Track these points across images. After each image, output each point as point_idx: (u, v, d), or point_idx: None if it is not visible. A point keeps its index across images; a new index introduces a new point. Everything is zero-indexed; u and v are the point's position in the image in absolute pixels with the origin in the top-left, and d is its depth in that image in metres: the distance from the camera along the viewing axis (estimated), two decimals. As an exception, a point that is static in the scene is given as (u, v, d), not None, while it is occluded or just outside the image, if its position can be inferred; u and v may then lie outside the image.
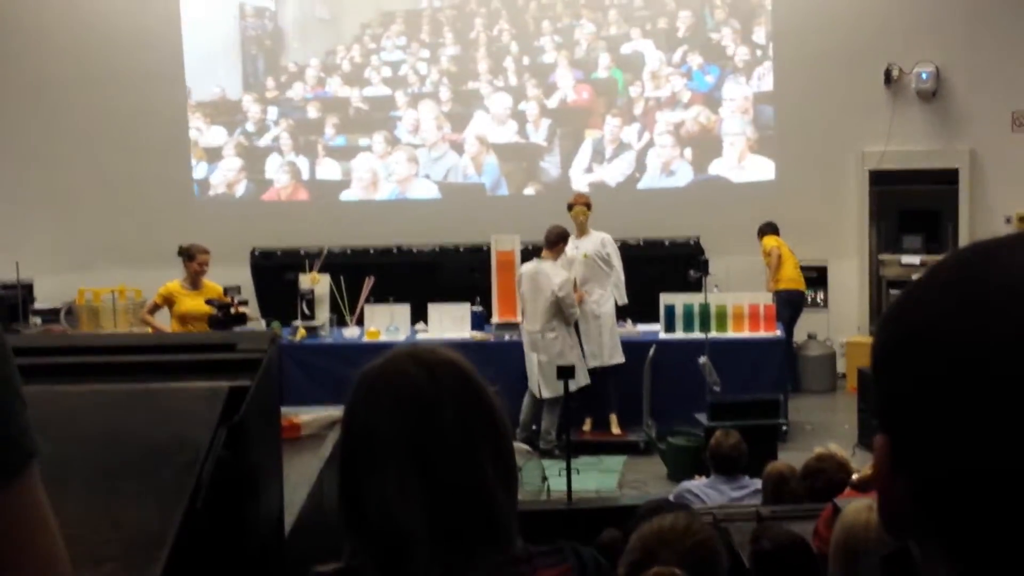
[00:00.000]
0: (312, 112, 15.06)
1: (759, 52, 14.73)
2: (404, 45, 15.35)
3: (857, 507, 3.57)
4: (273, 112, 15.06)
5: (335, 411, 3.85)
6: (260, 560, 1.99)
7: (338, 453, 1.83)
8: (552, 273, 10.24)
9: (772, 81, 14.17)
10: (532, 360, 10.33)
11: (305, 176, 15.04)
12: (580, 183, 14.13)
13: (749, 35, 14.82)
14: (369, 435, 1.76)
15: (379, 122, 15.00)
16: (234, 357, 2.15)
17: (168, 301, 9.61)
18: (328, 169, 14.98)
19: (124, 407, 1.96)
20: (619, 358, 10.63)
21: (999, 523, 0.77)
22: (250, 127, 15.08)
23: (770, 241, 12.44)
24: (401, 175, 14.98)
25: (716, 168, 14.33)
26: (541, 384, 10.21)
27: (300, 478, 3.05)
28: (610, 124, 14.87)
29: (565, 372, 9.10)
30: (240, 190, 15.05)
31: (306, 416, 3.85)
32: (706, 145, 14.46)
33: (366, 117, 15.07)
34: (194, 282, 9.64)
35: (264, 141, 15.07)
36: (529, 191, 14.74)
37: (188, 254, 9.67)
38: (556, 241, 10.41)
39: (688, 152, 14.54)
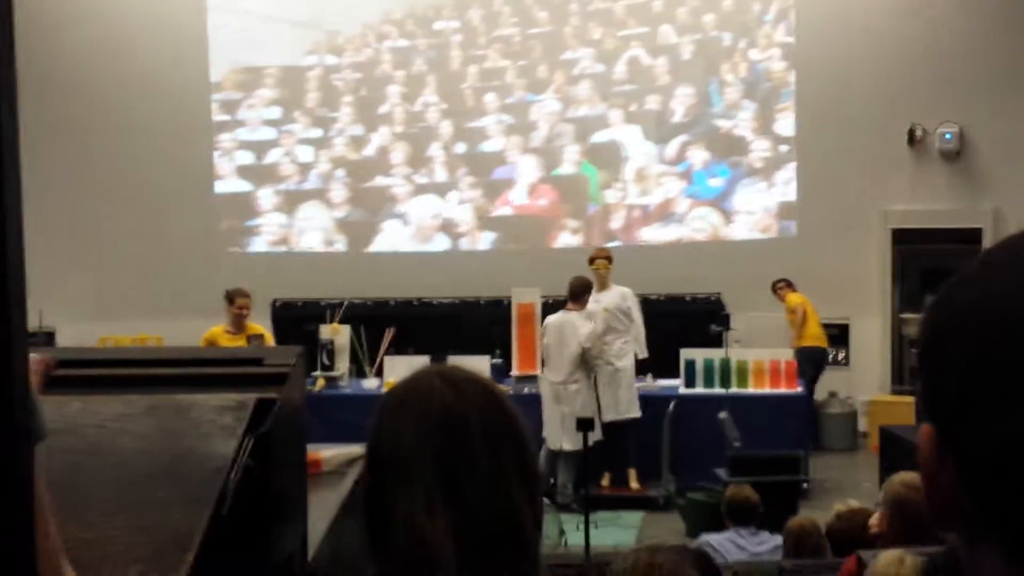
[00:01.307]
0: (333, 174, 15.06)
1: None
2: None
3: (888, 559, 3.51)
4: (297, 169, 15.16)
5: (356, 448, 3.86)
6: (285, 570, 1.99)
7: (364, 470, 1.82)
8: (579, 324, 10.24)
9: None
10: (554, 412, 10.29)
11: (327, 230, 15.07)
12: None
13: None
14: (396, 451, 1.75)
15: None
16: (262, 371, 2.16)
17: (212, 345, 9.71)
18: (352, 223, 15.01)
19: (154, 417, 1.97)
20: (636, 412, 10.58)
21: None
22: (276, 182, 15.16)
23: (795, 298, 12.43)
24: (422, 227, 14.69)
25: (735, 232, 13.69)
26: (563, 436, 10.17)
27: (320, 513, 3.05)
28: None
29: (584, 424, 9.08)
30: (263, 242, 15.14)
31: (327, 452, 3.86)
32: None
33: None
34: (237, 325, 9.79)
35: (290, 192, 15.14)
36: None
37: (229, 298, 9.87)
38: (581, 293, 10.41)
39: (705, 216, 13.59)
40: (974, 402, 0.81)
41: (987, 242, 13.20)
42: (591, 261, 10.84)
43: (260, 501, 1.92)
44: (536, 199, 13.63)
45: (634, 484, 10.60)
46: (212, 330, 9.83)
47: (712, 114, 13.57)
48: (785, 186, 13.58)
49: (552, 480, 10.37)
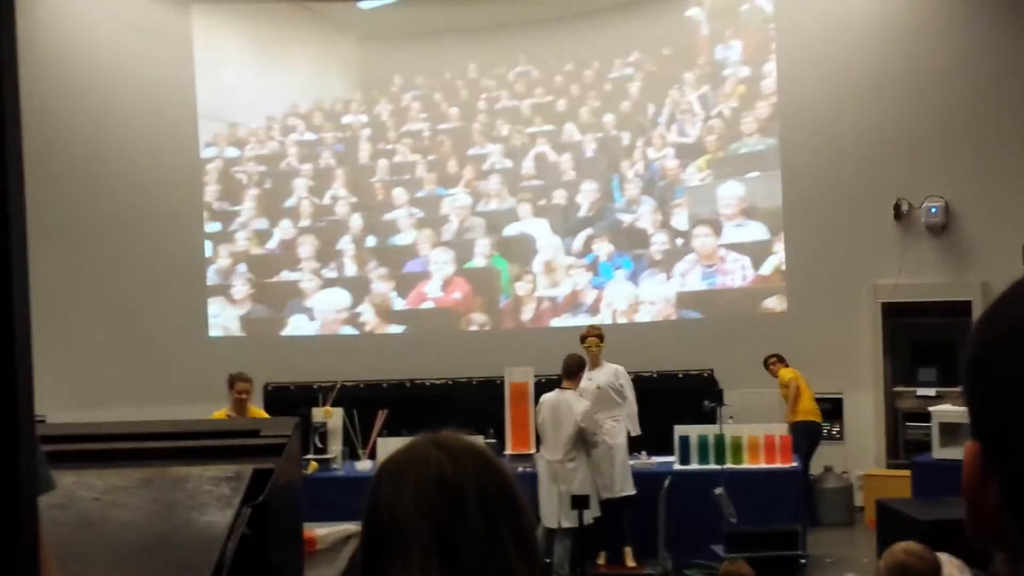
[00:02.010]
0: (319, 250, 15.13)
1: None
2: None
3: None
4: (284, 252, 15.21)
5: (351, 526, 3.83)
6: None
7: (361, 537, 1.82)
8: (574, 403, 10.22)
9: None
10: (551, 491, 10.22)
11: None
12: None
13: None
14: (393, 518, 1.76)
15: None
16: (258, 442, 2.16)
17: None
18: (340, 303, 15.02)
19: (150, 489, 1.96)
20: (630, 489, 10.52)
21: None
22: (262, 267, 15.18)
23: (787, 373, 12.44)
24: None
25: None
26: (561, 514, 10.08)
27: (316, 590, 3.02)
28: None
29: (580, 502, 9.05)
30: (253, 328, 15.12)
31: (322, 530, 3.84)
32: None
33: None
34: (238, 409, 9.82)
35: (278, 278, 15.17)
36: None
37: (229, 382, 9.97)
38: (576, 371, 10.40)
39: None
40: (1023, 421, 0.79)
41: (977, 314, 13.26)
42: (583, 339, 10.84)
43: (258, 571, 1.91)
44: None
45: (630, 562, 10.50)
46: (215, 414, 9.84)
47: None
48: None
49: (548, 560, 10.28)
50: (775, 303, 14.04)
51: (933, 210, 13.38)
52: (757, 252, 14.08)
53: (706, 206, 14.05)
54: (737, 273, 14.09)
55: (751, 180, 14.14)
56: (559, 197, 13.97)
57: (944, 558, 4.55)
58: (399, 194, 14.56)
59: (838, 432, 13.57)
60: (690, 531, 10.14)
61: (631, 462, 10.73)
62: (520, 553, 1.74)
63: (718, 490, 9.85)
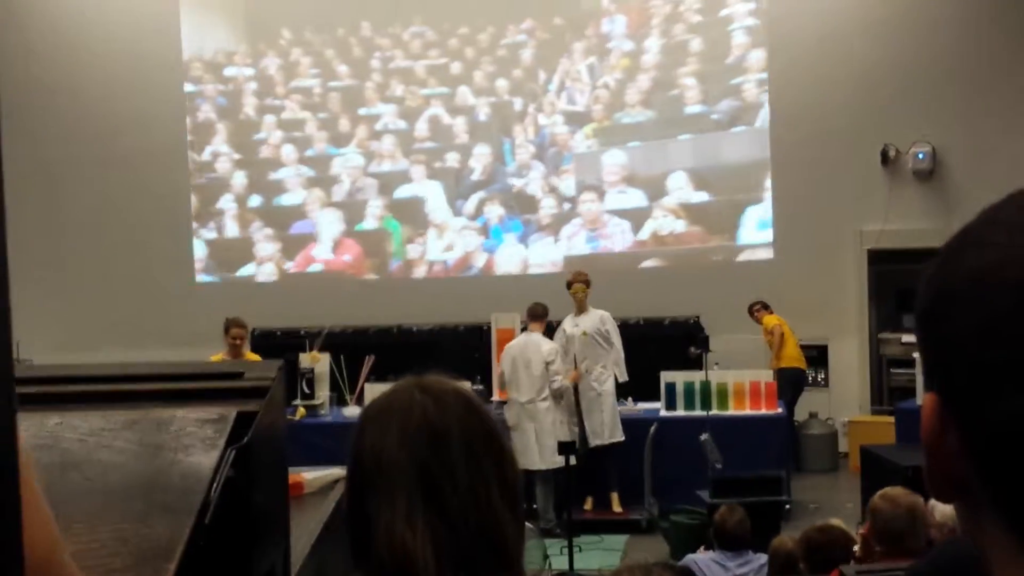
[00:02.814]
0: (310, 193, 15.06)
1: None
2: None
3: None
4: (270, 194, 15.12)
5: (338, 470, 3.86)
6: (268, 581, 1.99)
7: (346, 480, 1.82)
8: (540, 342, 10.30)
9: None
10: (526, 431, 10.25)
11: (304, 256, 15.02)
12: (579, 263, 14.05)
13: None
14: (377, 462, 1.75)
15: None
16: (242, 385, 2.16)
17: None
18: (326, 249, 14.97)
19: (134, 431, 1.96)
20: (619, 436, 10.59)
21: None
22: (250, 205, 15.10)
23: (771, 320, 12.47)
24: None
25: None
26: (537, 455, 10.12)
27: (303, 533, 3.04)
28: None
29: (566, 448, 9.09)
30: (240, 271, 15.09)
31: (309, 475, 3.86)
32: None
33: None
34: (234, 354, 9.85)
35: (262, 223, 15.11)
36: (532, 270, 14.52)
37: (224, 328, 10.06)
38: (542, 314, 10.52)
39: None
40: (984, 373, 0.78)
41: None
42: (569, 285, 10.85)
43: (242, 513, 1.91)
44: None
45: (617, 507, 10.59)
46: (211, 358, 9.85)
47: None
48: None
49: (535, 505, 10.35)
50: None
51: (920, 156, 13.37)
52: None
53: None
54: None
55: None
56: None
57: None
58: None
59: (823, 379, 13.64)
60: (676, 477, 10.22)
61: (618, 408, 10.79)
62: (504, 496, 1.75)
63: (703, 436, 9.91)
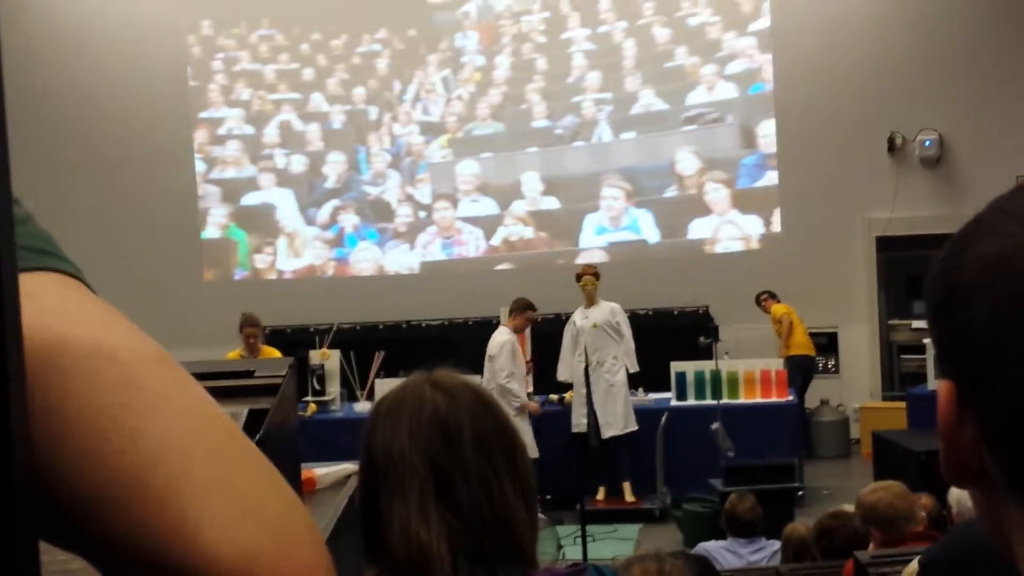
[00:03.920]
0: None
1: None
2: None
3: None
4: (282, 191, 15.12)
5: (351, 465, 3.86)
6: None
7: (359, 476, 1.84)
8: (496, 336, 10.36)
9: (776, 146, 13.96)
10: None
11: (316, 254, 15.04)
12: (589, 255, 14.10)
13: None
14: (389, 457, 1.76)
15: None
16: (253, 383, 2.17)
17: None
18: (339, 247, 14.99)
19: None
20: (633, 426, 10.60)
21: None
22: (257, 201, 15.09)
23: (779, 308, 12.47)
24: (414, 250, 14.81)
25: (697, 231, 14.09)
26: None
27: (316, 529, 3.04)
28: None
29: (578, 439, 9.11)
30: (250, 269, 15.09)
31: (321, 471, 3.86)
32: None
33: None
34: (250, 351, 9.88)
35: (273, 218, 15.10)
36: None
37: (239, 325, 10.14)
38: (521, 309, 10.50)
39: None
40: (1003, 359, 0.79)
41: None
42: (578, 278, 10.85)
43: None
44: None
45: (629, 497, 10.60)
46: (228, 355, 9.91)
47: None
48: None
49: (549, 496, 10.37)
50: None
51: (927, 143, 13.35)
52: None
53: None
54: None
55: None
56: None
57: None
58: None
59: (834, 366, 13.63)
60: (688, 466, 10.23)
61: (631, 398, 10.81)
62: (517, 489, 1.76)
63: (715, 425, 9.92)
